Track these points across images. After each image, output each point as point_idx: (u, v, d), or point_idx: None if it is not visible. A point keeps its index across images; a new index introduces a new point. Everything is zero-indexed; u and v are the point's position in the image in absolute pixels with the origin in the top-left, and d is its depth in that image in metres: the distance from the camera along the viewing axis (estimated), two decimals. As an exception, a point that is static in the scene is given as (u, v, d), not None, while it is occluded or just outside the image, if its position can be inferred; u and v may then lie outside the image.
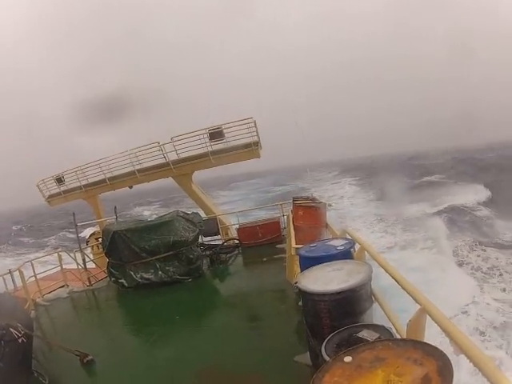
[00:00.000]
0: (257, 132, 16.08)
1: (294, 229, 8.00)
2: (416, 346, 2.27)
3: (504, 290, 15.46)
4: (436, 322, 2.58)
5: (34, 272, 10.49)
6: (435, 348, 2.19)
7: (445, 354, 2.09)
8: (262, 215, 18.39)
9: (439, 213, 27.57)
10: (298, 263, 5.43)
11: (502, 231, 23.20)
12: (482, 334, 12.18)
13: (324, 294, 3.57)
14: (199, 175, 17.49)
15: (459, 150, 63.36)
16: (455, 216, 26.48)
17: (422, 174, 51.25)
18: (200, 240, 12.14)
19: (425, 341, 2.46)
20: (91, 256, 13.58)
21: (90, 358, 5.90)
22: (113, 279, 10.48)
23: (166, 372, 5.27)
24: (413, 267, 15.50)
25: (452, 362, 2.03)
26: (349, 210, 33.58)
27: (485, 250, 19.76)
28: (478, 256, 19.18)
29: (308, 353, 4.16)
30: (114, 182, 17.89)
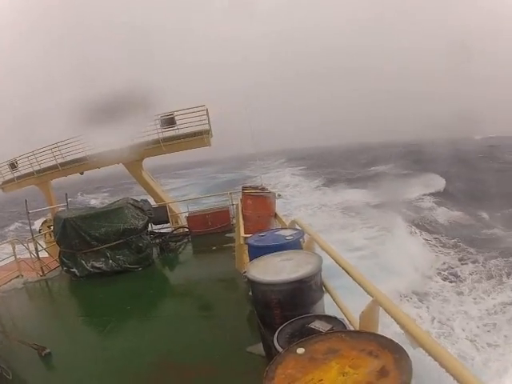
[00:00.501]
0: (208, 120, 15.94)
1: (243, 218, 7.94)
2: (370, 338, 2.21)
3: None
4: (389, 314, 2.55)
5: None
6: (390, 340, 2.14)
7: (401, 347, 2.04)
8: (212, 203, 18.34)
9: (382, 201, 28.63)
10: (247, 252, 5.37)
11: (441, 218, 25.07)
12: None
13: (274, 284, 3.51)
14: (148, 162, 17.08)
15: (414, 144, 65.60)
16: (399, 204, 27.63)
17: (368, 164, 53.33)
18: (150, 228, 11.95)
19: (379, 333, 2.41)
20: (44, 245, 13.02)
21: (47, 351, 5.79)
22: (65, 268, 10.17)
23: (120, 365, 5.17)
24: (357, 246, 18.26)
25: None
26: (292, 200, 34.03)
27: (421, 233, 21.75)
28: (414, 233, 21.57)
29: (261, 343, 4.09)
30: (65, 167, 17.23)
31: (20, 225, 39.42)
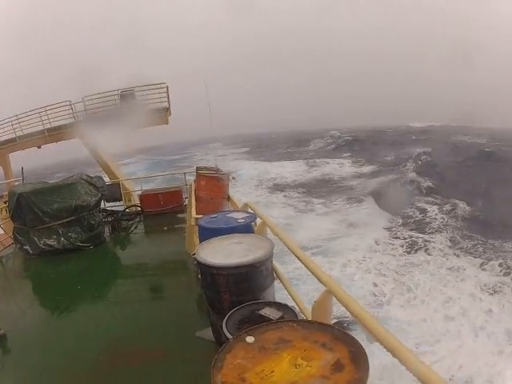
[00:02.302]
0: (168, 98, 15.76)
1: (196, 199, 7.79)
2: (324, 330, 2.12)
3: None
4: (342, 304, 2.47)
5: None
6: (345, 332, 2.06)
7: (357, 340, 1.96)
8: (166, 183, 18.23)
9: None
10: (198, 234, 5.24)
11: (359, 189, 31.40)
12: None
13: (223, 268, 3.40)
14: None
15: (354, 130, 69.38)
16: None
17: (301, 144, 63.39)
18: (102, 205, 11.64)
19: (332, 324, 2.33)
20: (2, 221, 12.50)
21: (1, 332, 5.55)
22: (18, 246, 9.80)
23: (72, 351, 5.00)
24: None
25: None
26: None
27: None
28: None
29: (210, 328, 4.00)
30: (23, 140, 16.83)
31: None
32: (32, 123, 16.61)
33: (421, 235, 19.14)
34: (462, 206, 22.69)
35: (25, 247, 9.57)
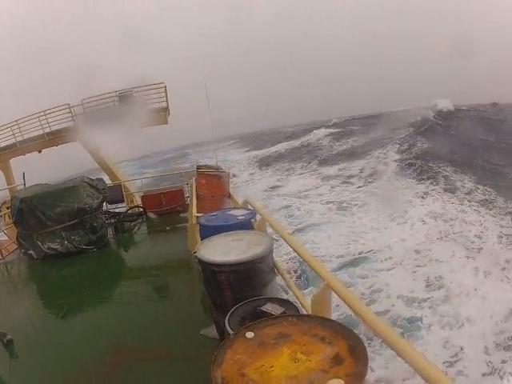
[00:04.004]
0: (166, 98, 15.78)
1: (197, 197, 7.82)
2: (323, 324, 2.13)
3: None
4: (341, 298, 2.49)
5: None
6: (344, 326, 2.06)
7: (355, 334, 1.97)
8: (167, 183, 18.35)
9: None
10: (199, 232, 5.26)
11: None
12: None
13: (223, 265, 3.40)
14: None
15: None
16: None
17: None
18: (104, 207, 11.75)
19: (332, 318, 2.34)
20: (5, 226, 12.66)
21: (9, 337, 5.57)
22: (22, 251, 9.87)
23: (78, 352, 5.05)
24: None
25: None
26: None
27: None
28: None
29: (214, 325, 4.00)
30: (23, 145, 16.81)
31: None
32: (31, 128, 16.60)
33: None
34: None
35: (29, 252, 9.62)
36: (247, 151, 57.52)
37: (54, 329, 6.14)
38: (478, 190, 21.46)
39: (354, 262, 14.87)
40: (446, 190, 22.06)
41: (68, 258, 9.28)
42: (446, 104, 48.63)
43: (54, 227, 9.43)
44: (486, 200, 19.97)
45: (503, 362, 9.05)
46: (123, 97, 15.93)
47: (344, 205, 22.66)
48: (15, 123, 16.55)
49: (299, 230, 19.04)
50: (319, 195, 25.88)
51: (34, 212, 9.33)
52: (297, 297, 3.47)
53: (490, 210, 18.55)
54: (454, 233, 16.38)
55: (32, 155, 17.25)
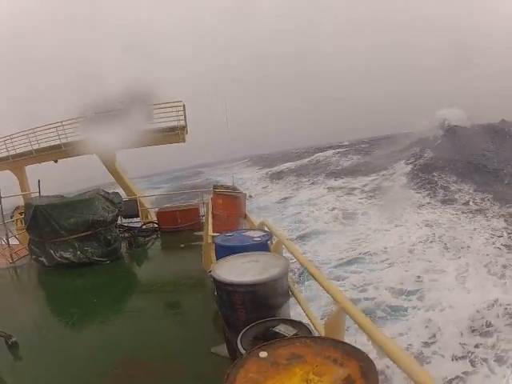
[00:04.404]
0: (184, 116, 15.92)
1: (213, 217, 7.87)
2: (336, 346, 2.16)
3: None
4: (355, 321, 2.51)
5: None
6: (356, 348, 2.09)
7: (367, 356, 1.99)
8: (182, 201, 18.49)
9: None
10: (214, 252, 5.30)
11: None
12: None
13: (239, 285, 3.43)
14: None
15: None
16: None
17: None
18: (119, 221, 11.90)
19: (345, 340, 2.36)
20: (16, 231, 12.82)
21: (13, 339, 5.64)
22: (33, 257, 10.03)
23: (84, 361, 5.07)
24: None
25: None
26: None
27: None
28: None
29: (225, 344, 4.02)
30: (40, 154, 17.10)
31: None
32: (48, 137, 16.86)
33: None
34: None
35: (40, 258, 9.77)
36: (259, 169, 60.89)
37: (62, 336, 6.14)
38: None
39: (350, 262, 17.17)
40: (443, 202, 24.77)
41: (81, 269, 9.36)
42: (455, 116, 48.89)
43: (67, 237, 9.57)
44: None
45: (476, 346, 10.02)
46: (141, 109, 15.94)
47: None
48: (32, 131, 16.79)
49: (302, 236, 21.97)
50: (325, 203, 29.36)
51: (48, 220, 9.47)
52: (310, 319, 3.48)
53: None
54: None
55: (48, 165, 17.50)
